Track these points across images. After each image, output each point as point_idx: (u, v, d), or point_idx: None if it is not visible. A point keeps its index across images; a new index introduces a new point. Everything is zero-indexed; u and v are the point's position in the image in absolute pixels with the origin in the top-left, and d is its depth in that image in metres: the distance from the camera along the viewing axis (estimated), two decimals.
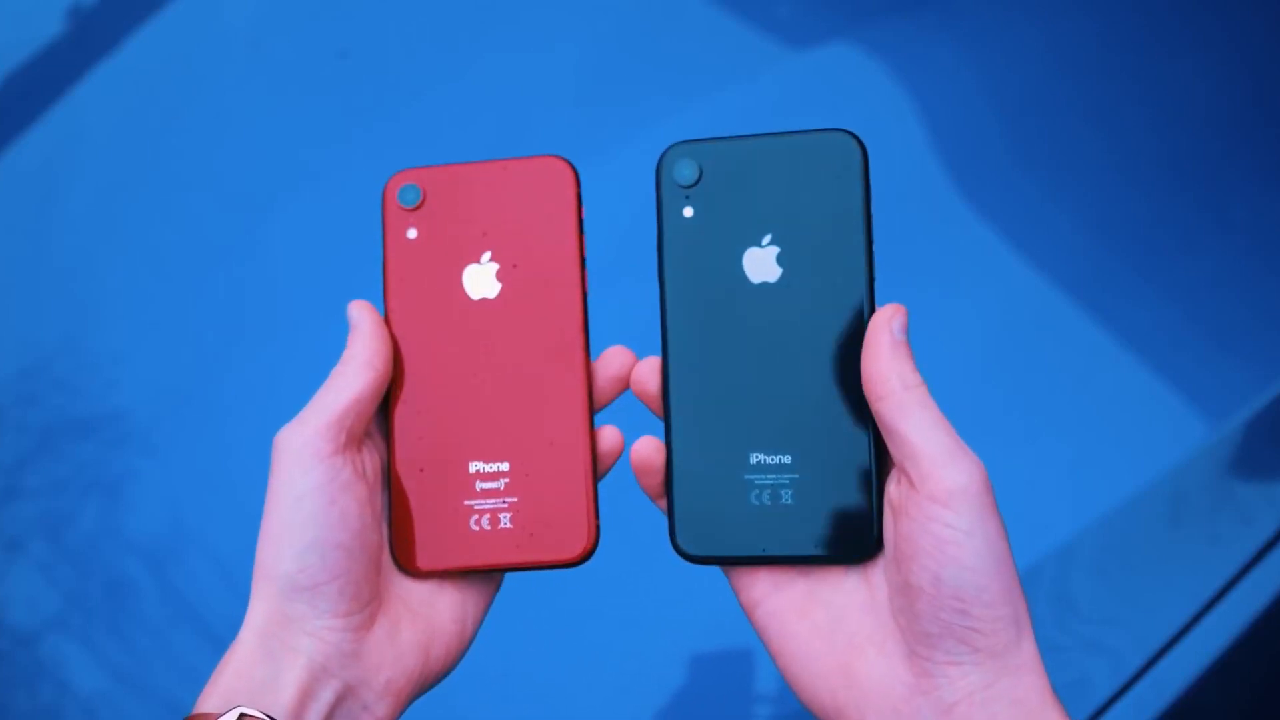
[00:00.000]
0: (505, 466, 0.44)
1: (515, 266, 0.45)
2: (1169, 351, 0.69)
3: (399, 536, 0.44)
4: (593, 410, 0.44)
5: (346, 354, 0.44)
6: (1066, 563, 0.65)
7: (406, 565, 0.44)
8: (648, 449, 0.43)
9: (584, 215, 0.45)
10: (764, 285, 0.42)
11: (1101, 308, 0.70)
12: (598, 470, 0.44)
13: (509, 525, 0.44)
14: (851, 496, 0.41)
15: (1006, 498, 0.39)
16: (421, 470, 0.45)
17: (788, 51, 0.80)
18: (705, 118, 0.78)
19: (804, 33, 0.81)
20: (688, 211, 0.43)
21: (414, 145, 0.81)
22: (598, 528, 0.44)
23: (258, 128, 0.87)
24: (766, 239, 0.43)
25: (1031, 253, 0.72)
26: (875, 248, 0.43)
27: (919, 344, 0.41)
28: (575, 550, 0.44)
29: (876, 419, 0.40)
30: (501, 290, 0.45)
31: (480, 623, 0.45)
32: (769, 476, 0.42)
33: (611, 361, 0.44)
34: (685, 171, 0.43)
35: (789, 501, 0.42)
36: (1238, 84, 0.76)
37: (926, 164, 0.75)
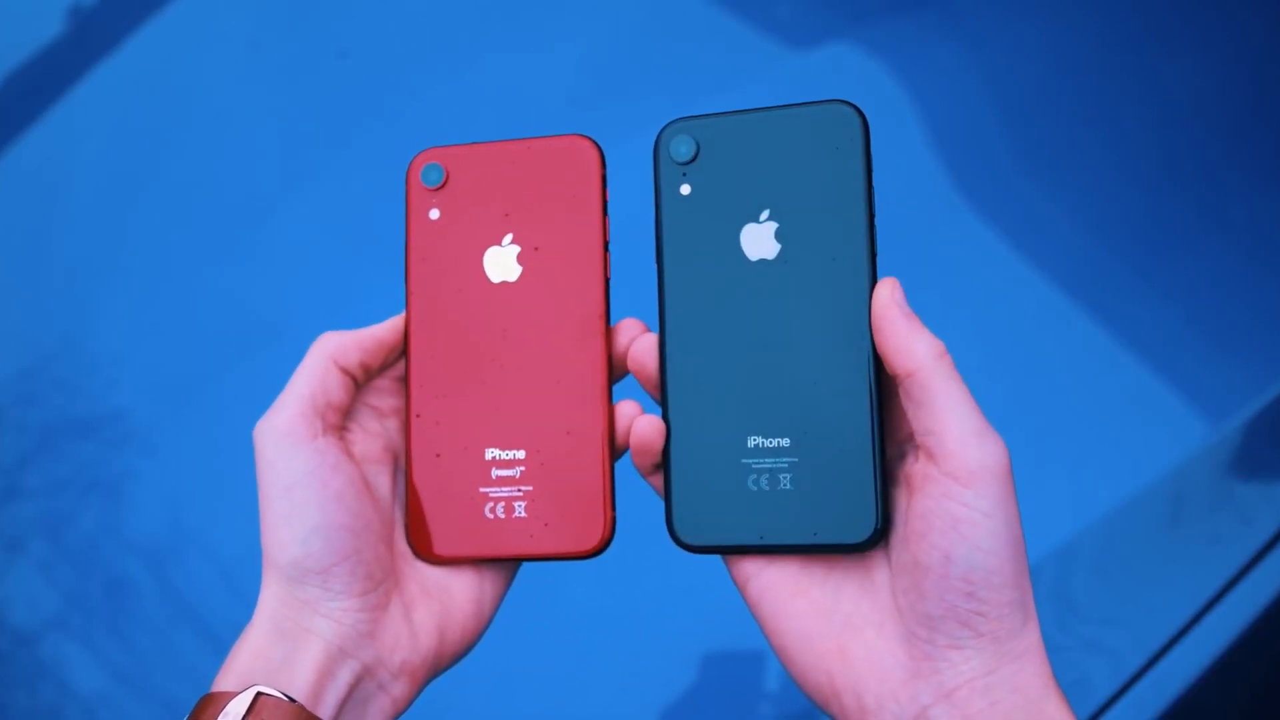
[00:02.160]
0: (522, 454, 0.43)
1: (536, 249, 0.44)
2: (1169, 351, 0.69)
3: (413, 523, 0.44)
4: (611, 395, 0.43)
5: (318, 343, 0.44)
6: (1066, 563, 0.65)
7: (420, 552, 0.44)
8: (650, 430, 0.42)
9: (608, 197, 0.44)
10: (762, 262, 0.41)
11: (1101, 308, 0.70)
12: (615, 454, 0.43)
13: (524, 515, 0.43)
14: (853, 482, 0.40)
15: None
16: (438, 456, 0.44)
17: (788, 51, 0.80)
18: None
19: (804, 33, 0.81)
20: (685, 189, 0.42)
21: (414, 145, 0.81)
22: (614, 519, 0.43)
23: (258, 128, 0.87)
24: (765, 215, 0.41)
25: (1031, 253, 0.72)
26: (878, 225, 0.41)
27: None
28: (590, 542, 0.43)
29: (903, 394, 0.38)
30: (522, 273, 0.44)
31: (498, 604, 0.45)
32: (767, 461, 0.41)
33: (624, 335, 0.43)
34: (682, 148, 0.42)
35: (788, 487, 0.40)
36: (1237, 84, 0.76)
37: (926, 164, 0.75)
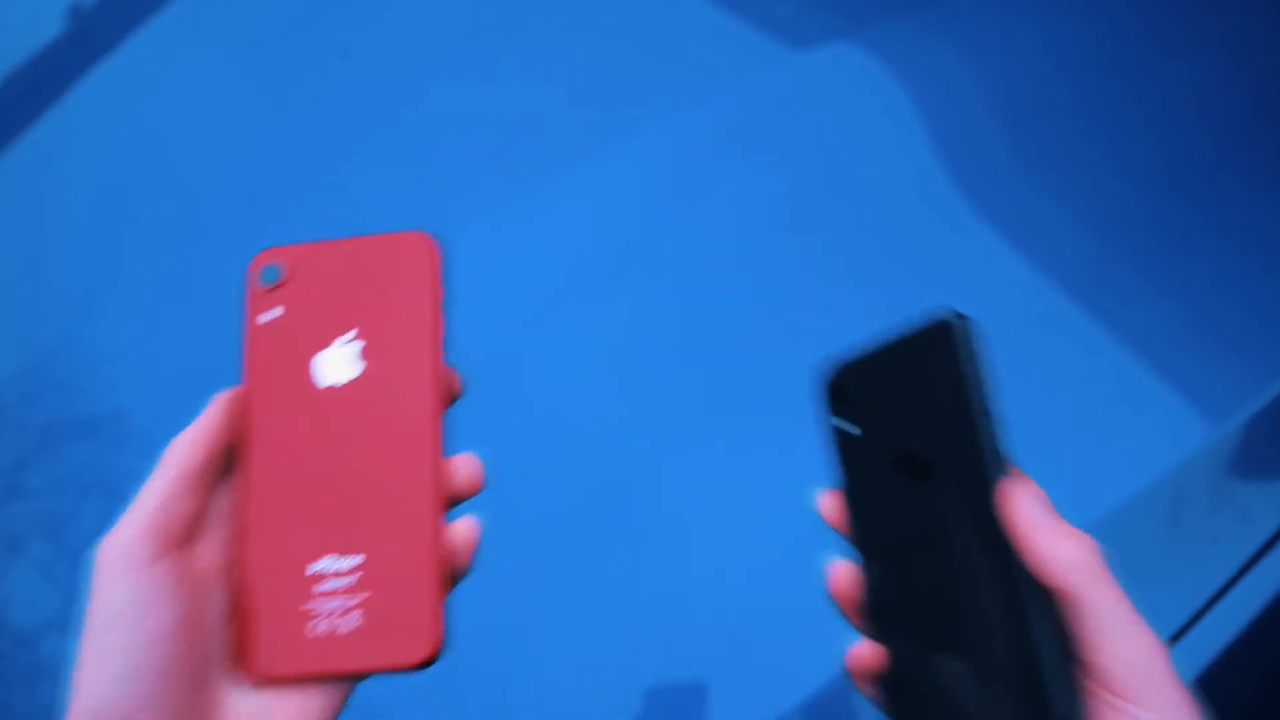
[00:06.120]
0: (348, 564, 0.41)
1: (370, 350, 0.43)
2: (1169, 351, 0.69)
3: (238, 640, 0.41)
4: (445, 503, 0.41)
5: (165, 451, 0.42)
6: None
7: (244, 672, 0.41)
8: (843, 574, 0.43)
9: (444, 294, 0.43)
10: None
11: (1101, 308, 0.70)
12: (451, 566, 0.41)
13: (350, 628, 0.41)
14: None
15: None
16: (263, 568, 0.41)
17: (788, 51, 0.80)
18: (705, 118, 0.78)
19: (804, 33, 0.81)
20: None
21: (416, 144, 0.81)
22: (445, 629, 0.40)
23: (258, 127, 0.87)
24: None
25: (1031, 253, 0.72)
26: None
27: None
28: (418, 655, 0.40)
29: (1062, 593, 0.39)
30: (356, 375, 0.43)
31: None
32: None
33: (460, 470, 0.42)
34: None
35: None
36: (1235, 84, 0.76)
37: (926, 164, 0.75)
